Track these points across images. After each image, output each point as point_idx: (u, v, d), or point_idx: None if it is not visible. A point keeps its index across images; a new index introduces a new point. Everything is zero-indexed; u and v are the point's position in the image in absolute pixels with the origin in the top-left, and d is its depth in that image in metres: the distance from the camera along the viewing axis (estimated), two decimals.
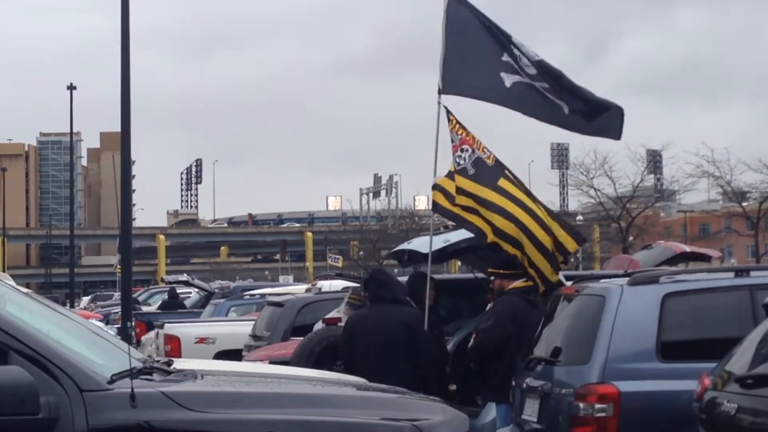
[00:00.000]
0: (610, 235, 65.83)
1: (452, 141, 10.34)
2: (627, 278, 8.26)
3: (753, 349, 6.38)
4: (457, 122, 10.41)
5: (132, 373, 5.13)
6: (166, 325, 18.39)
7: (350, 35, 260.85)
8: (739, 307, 7.88)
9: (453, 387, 10.14)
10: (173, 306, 28.27)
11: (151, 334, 19.67)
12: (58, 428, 4.87)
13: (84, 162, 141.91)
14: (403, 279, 11.51)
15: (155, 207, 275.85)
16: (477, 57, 10.59)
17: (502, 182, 10.01)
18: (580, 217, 78.12)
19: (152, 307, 32.28)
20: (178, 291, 30.43)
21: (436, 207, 10.38)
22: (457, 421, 5.75)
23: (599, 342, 7.70)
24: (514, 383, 8.93)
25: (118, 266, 34.44)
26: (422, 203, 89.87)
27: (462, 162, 10.16)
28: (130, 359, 5.26)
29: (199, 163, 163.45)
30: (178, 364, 6.09)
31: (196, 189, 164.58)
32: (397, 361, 9.27)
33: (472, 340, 9.87)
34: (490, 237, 9.86)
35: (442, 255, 12.07)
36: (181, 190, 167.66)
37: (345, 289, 15.05)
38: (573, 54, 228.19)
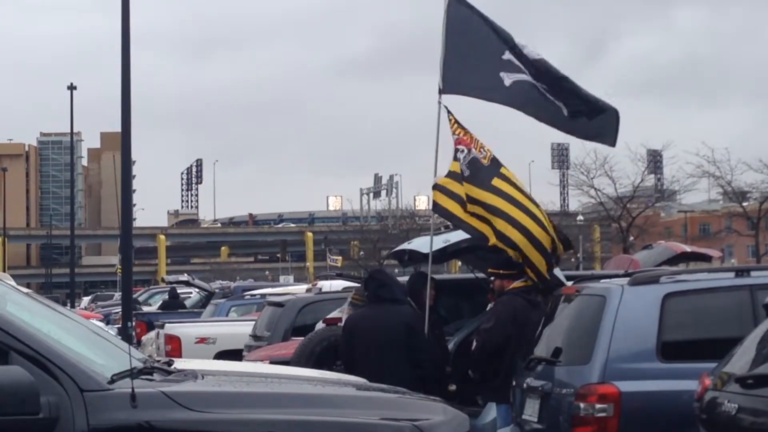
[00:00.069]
0: (611, 235, 65.89)
1: (454, 141, 10.35)
2: (627, 278, 8.26)
3: (753, 349, 6.39)
4: (456, 122, 10.41)
5: (132, 373, 5.12)
6: (167, 325, 18.39)
7: (351, 36, 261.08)
8: (739, 307, 7.88)
9: (453, 387, 10.14)
10: (174, 306, 28.27)
11: (152, 334, 19.68)
12: (58, 428, 4.87)
13: (84, 162, 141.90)
14: (404, 279, 11.52)
15: (156, 207, 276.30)
16: (477, 57, 10.58)
17: (496, 182, 10.00)
18: (580, 217, 78.23)
19: (153, 307, 32.30)
20: (178, 291, 30.44)
21: (436, 207, 10.37)
22: (457, 421, 5.74)
23: (600, 342, 7.70)
24: (514, 383, 8.93)
25: (119, 266, 34.46)
26: (423, 203, 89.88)
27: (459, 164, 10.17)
28: (131, 359, 5.26)
29: (199, 164, 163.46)
30: (179, 364, 6.09)
31: (197, 189, 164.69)
32: (396, 361, 9.27)
33: (474, 342, 9.88)
34: (492, 240, 9.85)
35: (443, 255, 12.08)
36: (182, 190, 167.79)
37: (345, 290, 15.07)
38: (572, 54, 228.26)
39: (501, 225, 9.78)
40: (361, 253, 74.80)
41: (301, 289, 20.42)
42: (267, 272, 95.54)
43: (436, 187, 10.31)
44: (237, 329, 17.57)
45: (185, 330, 18.01)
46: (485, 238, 9.96)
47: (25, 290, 7.97)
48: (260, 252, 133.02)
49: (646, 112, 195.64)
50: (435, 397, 6.44)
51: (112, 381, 5.07)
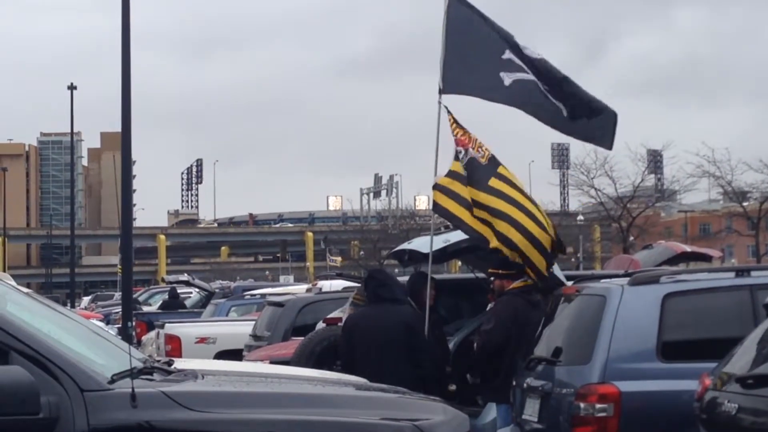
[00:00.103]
0: (611, 235, 65.91)
1: (455, 141, 10.35)
2: (627, 278, 8.26)
3: (754, 349, 6.39)
4: (455, 122, 10.41)
5: (132, 373, 5.13)
6: (167, 325, 18.39)
7: (351, 36, 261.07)
8: (739, 307, 7.88)
9: (453, 387, 10.14)
10: (174, 306, 28.27)
11: (152, 334, 19.68)
12: (58, 428, 4.88)
13: (84, 162, 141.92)
14: (404, 279, 11.52)
15: (156, 207, 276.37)
16: (477, 57, 10.58)
17: (494, 182, 9.99)
18: (580, 217, 78.28)
19: (153, 307, 32.30)
20: (178, 291, 30.44)
21: (436, 207, 10.36)
22: (457, 421, 5.74)
23: (600, 342, 7.70)
24: (514, 383, 8.93)
25: (119, 266, 34.46)
26: (423, 203, 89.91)
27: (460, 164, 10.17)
28: (131, 359, 5.27)
29: (199, 164, 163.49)
30: (179, 364, 6.10)
31: (197, 189, 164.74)
32: (396, 361, 9.27)
33: (476, 343, 9.88)
34: (494, 243, 9.84)
35: (443, 255, 12.08)
36: (182, 190, 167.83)
37: (346, 289, 15.07)
38: (572, 54, 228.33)
39: (503, 227, 9.76)
40: (361, 253, 74.82)
41: (301, 289, 20.43)
42: (267, 272, 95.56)
43: (437, 187, 10.30)
44: (237, 329, 17.57)
45: (185, 330, 18.01)
46: (485, 240, 9.95)
47: (26, 290, 7.97)
48: (260, 252, 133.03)
49: (646, 112, 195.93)
50: (435, 397, 6.44)
51: (112, 381, 5.07)
